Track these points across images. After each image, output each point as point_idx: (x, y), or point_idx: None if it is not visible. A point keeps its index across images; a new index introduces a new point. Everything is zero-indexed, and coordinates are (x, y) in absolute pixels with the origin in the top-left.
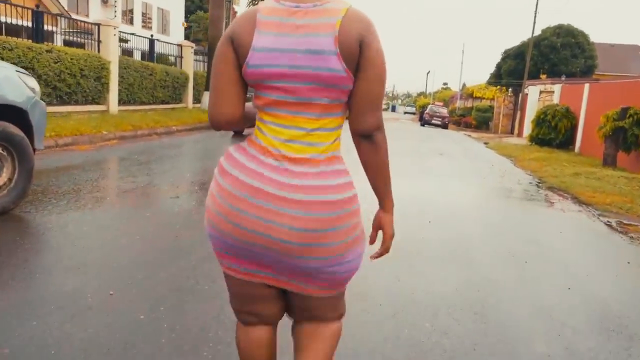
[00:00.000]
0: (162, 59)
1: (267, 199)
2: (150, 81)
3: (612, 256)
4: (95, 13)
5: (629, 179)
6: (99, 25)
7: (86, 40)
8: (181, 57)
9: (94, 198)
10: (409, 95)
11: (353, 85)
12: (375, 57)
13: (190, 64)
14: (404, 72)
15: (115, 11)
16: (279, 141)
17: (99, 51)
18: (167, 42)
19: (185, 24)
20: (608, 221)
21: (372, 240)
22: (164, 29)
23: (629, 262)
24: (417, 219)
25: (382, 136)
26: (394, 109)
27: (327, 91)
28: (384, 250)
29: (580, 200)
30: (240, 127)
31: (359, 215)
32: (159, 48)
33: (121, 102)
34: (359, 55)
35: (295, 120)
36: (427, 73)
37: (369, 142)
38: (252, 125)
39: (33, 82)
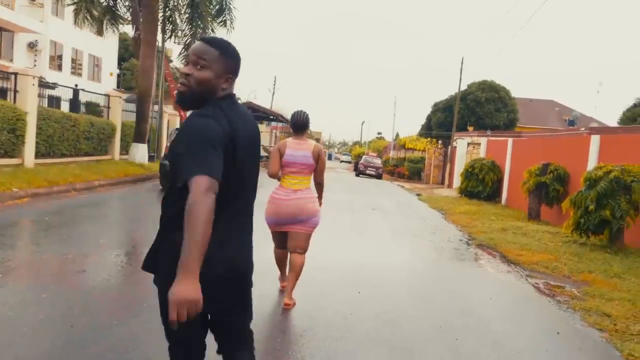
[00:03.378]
0: (92, 107)
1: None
2: (73, 132)
3: (542, 326)
4: (21, 58)
5: (552, 234)
6: (16, 74)
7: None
8: (108, 107)
9: None
10: (345, 144)
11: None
12: (323, 157)
13: (118, 114)
14: (340, 121)
15: (36, 59)
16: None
17: (15, 101)
18: (92, 92)
19: (112, 73)
20: (536, 283)
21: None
22: (96, 76)
23: (558, 333)
24: (348, 289)
25: (323, 182)
26: (330, 157)
27: (309, 168)
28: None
29: (508, 259)
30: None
31: (317, 202)
32: (87, 97)
33: (39, 155)
34: (318, 156)
35: (299, 177)
36: (362, 123)
37: (319, 184)
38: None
39: None
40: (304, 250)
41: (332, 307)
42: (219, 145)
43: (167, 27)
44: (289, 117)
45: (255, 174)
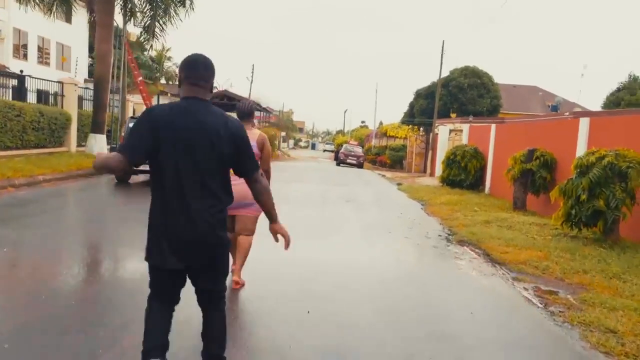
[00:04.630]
0: (44, 96)
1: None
2: (18, 123)
3: (535, 351)
4: None
5: (540, 226)
6: None
7: None
8: (62, 95)
9: None
10: (328, 133)
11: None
12: (267, 147)
13: (74, 103)
14: (324, 110)
15: None
16: None
17: None
18: (44, 79)
19: (64, 58)
20: (525, 288)
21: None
22: (65, 66)
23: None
24: (295, 306)
25: (270, 170)
26: (313, 146)
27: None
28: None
29: (492, 258)
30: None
31: None
32: (41, 85)
33: None
34: (262, 146)
35: None
36: (345, 112)
37: (266, 171)
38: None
39: None
40: (251, 232)
41: (269, 335)
42: (142, 131)
43: (126, 8)
44: (266, 105)
45: (185, 159)
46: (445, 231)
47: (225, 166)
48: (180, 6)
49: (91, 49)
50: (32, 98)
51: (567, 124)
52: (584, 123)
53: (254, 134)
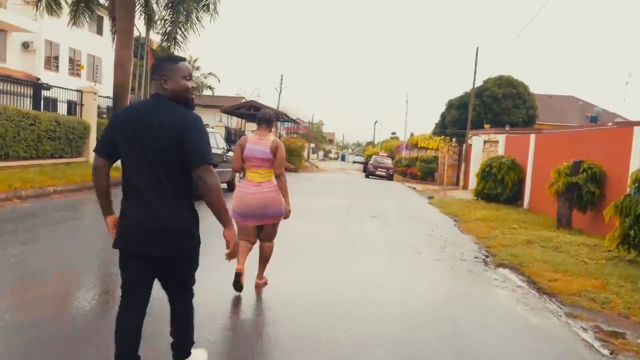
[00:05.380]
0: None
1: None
2: (33, 132)
3: None
4: (16, 59)
5: (590, 248)
6: None
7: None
8: (81, 104)
9: None
10: (358, 145)
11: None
12: (280, 153)
13: (93, 112)
14: (354, 121)
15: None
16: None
17: None
18: (63, 88)
19: (82, 66)
20: (582, 327)
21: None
22: (95, 77)
23: None
24: (300, 352)
25: (283, 176)
26: (343, 158)
27: (268, 162)
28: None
29: (539, 287)
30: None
31: (278, 191)
32: (57, 94)
33: None
34: (275, 151)
35: (260, 170)
36: (375, 123)
37: (278, 177)
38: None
39: None
40: (273, 238)
41: None
42: (107, 129)
43: (147, 13)
44: (296, 117)
45: (145, 153)
46: (482, 252)
47: (174, 159)
48: (203, 11)
49: None
50: (62, 109)
51: (618, 134)
52: (639, 132)
53: (268, 140)
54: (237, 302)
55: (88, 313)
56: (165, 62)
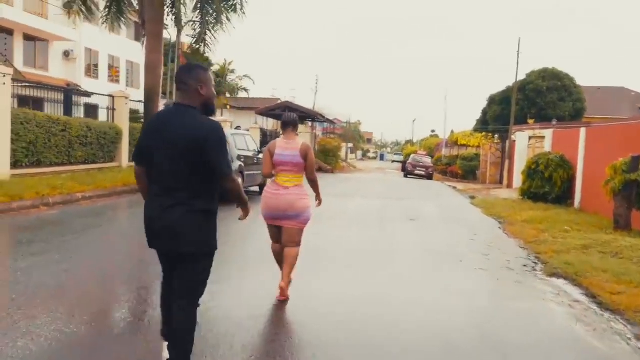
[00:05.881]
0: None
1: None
2: (64, 138)
3: None
4: (58, 67)
5: None
6: None
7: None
8: (113, 109)
9: None
10: (397, 143)
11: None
12: (311, 156)
13: (125, 117)
14: (392, 120)
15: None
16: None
17: None
18: (95, 93)
19: (115, 70)
20: None
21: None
22: (134, 83)
23: None
24: None
25: (316, 179)
26: (382, 157)
27: (298, 166)
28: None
29: (600, 302)
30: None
31: (308, 199)
32: (93, 100)
33: (18, 164)
34: (306, 155)
35: (289, 175)
36: (413, 121)
37: (312, 181)
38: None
39: None
40: (296, 244)
41: None
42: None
43: (175, 15)
44: (333, 117)
45: (166, 161)
46: (531, 259)
47: (195, 167)
48: (232, 11)
49: None
50: (103, 115)
51: None
52: None
53: (297, 144)
54: (249, 320)
55: (82, 339)
56: (200, 70)
